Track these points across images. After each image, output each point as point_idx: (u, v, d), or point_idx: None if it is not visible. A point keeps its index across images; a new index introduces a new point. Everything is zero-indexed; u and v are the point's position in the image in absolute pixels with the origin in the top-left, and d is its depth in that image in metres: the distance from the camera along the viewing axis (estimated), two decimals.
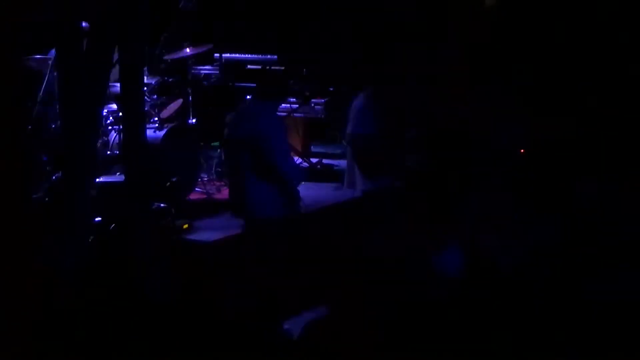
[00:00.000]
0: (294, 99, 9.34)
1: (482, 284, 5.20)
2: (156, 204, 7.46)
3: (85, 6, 5.76)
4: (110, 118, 7.82)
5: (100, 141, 7.60)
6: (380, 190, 7.33)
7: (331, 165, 9.40)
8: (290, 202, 6.61)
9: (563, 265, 5.18)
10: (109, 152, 7.78)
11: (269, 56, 9.44)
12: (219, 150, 8.65)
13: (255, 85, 7.43)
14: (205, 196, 8.31)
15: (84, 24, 6.12)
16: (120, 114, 7.53)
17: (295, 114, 9.39)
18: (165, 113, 8.50)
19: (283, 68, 9.29)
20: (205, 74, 9.39)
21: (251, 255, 6.62)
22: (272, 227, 6.53)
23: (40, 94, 7.59)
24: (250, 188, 6.50)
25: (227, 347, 4.11)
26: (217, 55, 9.44)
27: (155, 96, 8.27)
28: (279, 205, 6.54)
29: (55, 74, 7.14)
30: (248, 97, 7.97)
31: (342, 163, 9.48)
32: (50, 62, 7.51)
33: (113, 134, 7.85)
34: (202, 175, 8.51)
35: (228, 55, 9.44)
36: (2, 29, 5.10)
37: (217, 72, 9.41)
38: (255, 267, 6.63)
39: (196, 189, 8.28)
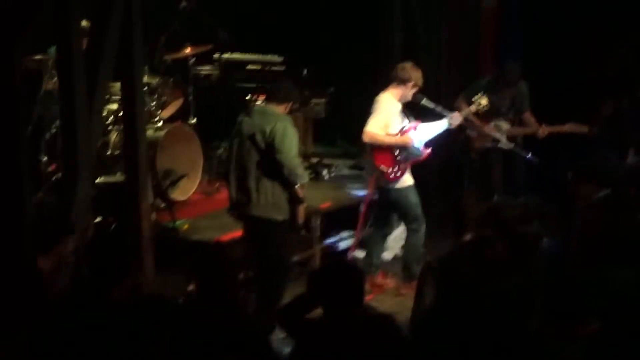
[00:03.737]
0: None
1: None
2: (156, 203, 7.47)
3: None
4: (110, 118, 7.80)
5: (100, 141, 7.58)
6: (388, 188, 7.35)
7: (331, 165, 9.39)
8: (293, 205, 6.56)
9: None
10: (109, 152, 7.76)
11: (269, 56, 9.42)
12: (219, 150, 8.64)
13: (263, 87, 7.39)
14: (205, 196, 8.31)
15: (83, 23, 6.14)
16: (121, 113, 7.53)
17: (295, 114, 9.36)
18: (166, 113, 8.49)
19: (284, 68, 9.28)
20: (205, 74, 9.37)
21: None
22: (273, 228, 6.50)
23: (40, 94, 7.59)
24: (256, 187, 6.47)
25: (227, 346, 4.11)
26: (217, 55, 9.42)
27: (156, 96, 8.25)
28: (283, 206, 6.50)
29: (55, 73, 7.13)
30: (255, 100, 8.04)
31: (342, 163, 9.50)
32: (50, 62, 7.50)
33: (113, 134, 7.83)
34: (202, 175, 8.50)
35: (228, 55, 9.42)
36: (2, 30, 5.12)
37: (217, 72, 9.38)
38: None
39: (196, 189, 8.27)
